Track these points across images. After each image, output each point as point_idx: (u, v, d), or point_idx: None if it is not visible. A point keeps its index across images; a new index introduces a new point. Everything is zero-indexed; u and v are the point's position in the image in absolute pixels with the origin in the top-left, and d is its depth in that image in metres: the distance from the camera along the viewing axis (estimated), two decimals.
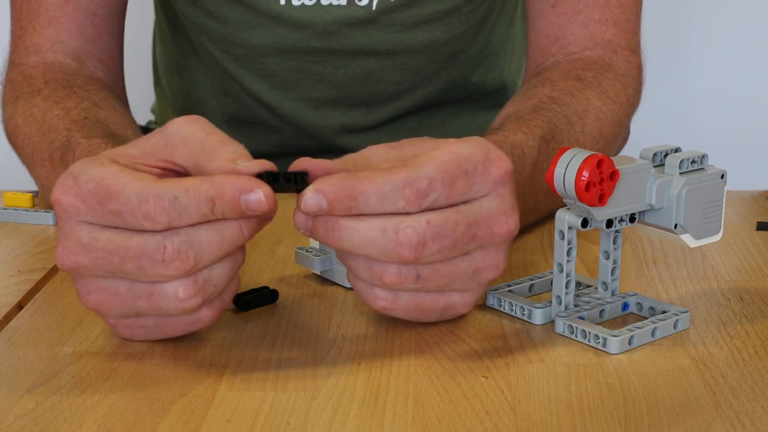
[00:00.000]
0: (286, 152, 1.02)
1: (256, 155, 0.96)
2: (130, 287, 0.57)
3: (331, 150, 1.01)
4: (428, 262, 0.58)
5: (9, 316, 0.66)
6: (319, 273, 0.71)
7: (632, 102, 0.90)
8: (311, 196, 0.57)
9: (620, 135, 0.89)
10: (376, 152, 0.62)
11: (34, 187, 0.94)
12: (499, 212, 0.59)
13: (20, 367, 0.59)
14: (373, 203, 0.57)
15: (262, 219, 0.58)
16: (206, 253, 0.56)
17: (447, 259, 0.59)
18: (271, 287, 0.68)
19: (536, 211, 0.79)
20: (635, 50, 0.92)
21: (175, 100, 1.12)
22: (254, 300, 0.65)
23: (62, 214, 0.57)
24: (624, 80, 0.89)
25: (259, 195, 0.56)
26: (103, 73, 0.94)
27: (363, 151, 0.63)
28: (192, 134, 0.60)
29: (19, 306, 0.68)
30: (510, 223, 0.60)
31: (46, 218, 0.83)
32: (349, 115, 1.01)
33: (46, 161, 0.81)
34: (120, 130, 0.81)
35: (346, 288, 0.70)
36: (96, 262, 0.56)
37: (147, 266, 0.55)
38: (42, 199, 0.89)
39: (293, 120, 1.01)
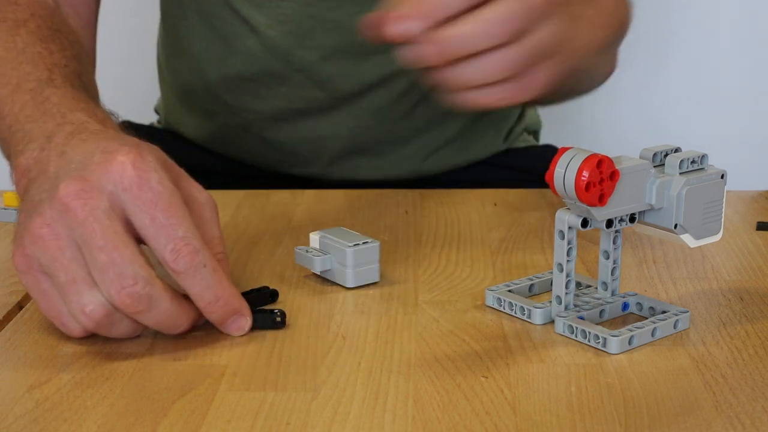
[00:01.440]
0: (296, 107, 1.03)
1: (264, 114, 1.00)
2: (76, 259, 0.58)
3: (339, 102, 1.02)
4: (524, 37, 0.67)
5: (9, 316, 0.66)
6: (319, 273, 0.71)
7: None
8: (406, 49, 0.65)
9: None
10: None
11: None
12: None
13: (20, 367, 0.59)
14: (468, 42, 0.66)
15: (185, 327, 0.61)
16: (147, 316, 0.58)
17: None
18: (271, 287, 0.67)
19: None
20: None
21: (175, 81, 1.12)
22: (254, 300, 0.65)
23: (116, 173, 0.58)
24: None
25: (246, 322, 0.62)
26: (74, 20, 0.95)
27: None
28: (207, 215, 0.63)
29: (19, 306, 0.68)
30: None
31: None
32: (360, 65, 1.02)
33: (9, 85, 0.78)
34: (90, 86, 0.82)
35: (347, 288, 0.70)
36: (85, 226, 0.57)
37: (106, 271, 0.57)
38: None
39: (304, 68, 1.02)
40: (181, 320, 0.60)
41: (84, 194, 0.58)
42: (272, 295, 0.67)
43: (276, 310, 0.64)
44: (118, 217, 0.58)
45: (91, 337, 0.62)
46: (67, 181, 0.59)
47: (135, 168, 0.58)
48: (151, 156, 0.60)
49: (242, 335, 0.62)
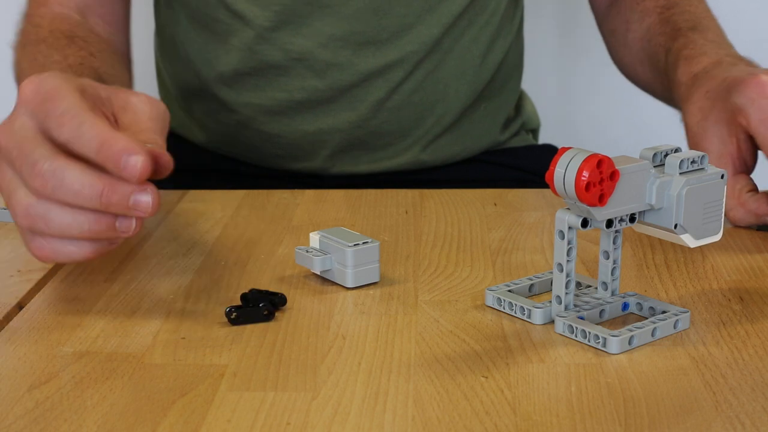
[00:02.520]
0: (296, 99, 1.04)
1: (263, 108, 1.02)
2: (10, 179, 0.64)
3: (338, 93, 1.03)
4: None
5: (9, 316, 0.66)
6: (319, 273, 0.71)
7: None
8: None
9: None
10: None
11: None
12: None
13: (20, 367, 0.59)
14: None
15: (123, 200, 0.61)
16: (60, 190, 0.61)
17: None
18: (268, 302, 0.65)
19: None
20: None
21: (174, 84, 1.12)
22: (251, 313, 0.65)
23: (20, 98, 0.65)
24: None
25: (138, 160, 0.60)
26: (103, 28, 1.01)
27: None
28: (142, 111, 0.68)
29: (19, 306, 0.68)
30: None
31: None
32: (357, 53, 1.02)
33: None
34: (109, 78, 0.88)
35: (347, 288, 0.70)
36: (11, 145, 0.63)
37: (23, 168, 0.62)
38: None
39: (303, 57, 1.02)
40: (98, 184, 0.61)
41: (4, 127, 0.65)
42: (274, 304, 0.66)
43: (262, 304, 0.64)
44: (30, 128, 0.63)
45: (91, 337, 0.63)
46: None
47: (30, 83, 0.65)
48: (50, 74, 0.66)
49: (244, 335, 0.62)
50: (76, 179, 0.61)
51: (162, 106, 0.69)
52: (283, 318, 0.65)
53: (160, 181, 1.00)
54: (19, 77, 0.95)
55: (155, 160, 0.63)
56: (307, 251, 0.71)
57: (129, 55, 1.05)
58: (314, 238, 0.71)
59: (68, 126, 0.62)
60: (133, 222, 0.62)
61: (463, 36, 1.06)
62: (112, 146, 0.60)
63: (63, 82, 0.64)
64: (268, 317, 0.65)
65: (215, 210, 0.87)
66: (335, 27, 1.01)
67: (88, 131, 0.61)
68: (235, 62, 1.04)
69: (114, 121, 0.67)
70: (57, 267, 0.74)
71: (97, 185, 0.61)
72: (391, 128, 1.05)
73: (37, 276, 0.72)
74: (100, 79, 0.86)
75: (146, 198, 0.61)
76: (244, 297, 0.66)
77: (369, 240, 0.70)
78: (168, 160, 0.64)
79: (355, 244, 0.69)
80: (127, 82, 0.96)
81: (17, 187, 0.63)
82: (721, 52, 0.90)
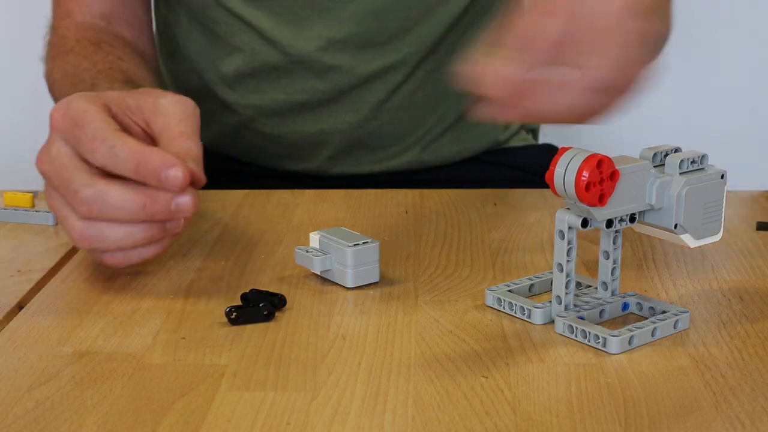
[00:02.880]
0: (297, 100, 1.04)
1: (265, 110, 1.02)
2: (60, 204, 0.68)
3: (339, 95, 1.03)
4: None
5: (9, 316, 0.66)
6: (319, 273, 0.71)
7: None
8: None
9: None
10: None
11: (34, 187, 0.94)
12: None
13: (20, 367, 0.59)
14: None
15: (166, 207, 0.66)
16: (106, 211, 0.65)
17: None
18: (268, 302, 0.65)
19: None
20: None
21: (174, 85, 1.13)
22: (251, 313, 0.65)
23: (51, 125, 0.68)
24: None
25: (177, 171, 0.64)
26: (128, 32, 1.03)
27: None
28: (172, 113, 0.70)
29: (19, 306, 0.68)
30: None
31: (46, 218, 0.83)
32: (357, 55, 1.02)
33: None
34: (139, 80, 0.90)
35: (347, 288, 0.70)
36: (51, 173, 0.67)
37: (67, 195, 0.66)
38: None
39: (303, 60, 1.02)
40: (139, 198, 0.65)
41: (42, 156, 0.69)
42: (274, 305, 0.66)
43: (262, 304, 0.64)
44: (66, 154, 0.67)
45: (91, 337, 0.63)
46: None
47: (57, 110, 0.68)
48: (75, 96, 0.69)
49: (244, 335, 0.62)
50: (119, 198, 0.65)
51: (191, 104, 0.71)
52: (283, 318, 0.65)
53: None
54: (52, 89, 0.97)
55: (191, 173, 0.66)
56: (307, 251, 0.71)
57: (155, 56, 1.06)
58: (314, 238, 0.71)
59: (100, 151, 0.65)
60: (181, 221, 0.68)
61: (464, 36, 1.06)
62: (149, 163, 0.64)
63: (89, 104, 0.68)
64: (268, 317, 0.65)
65: (215, 210, 0.87)
66: (335, 30, 1.01)
67: (121, 153, 0.65)
68: (237, 63, 1.04)
69: (147, 127, 0.71)
70: (57, 267, 0.74)
71: (139, 199, 0.65)
72: (391, 129, 1.05)
73: (37, 276, 0.72)
74: (130, 80, 0.89)
75: (186, 199, 0.66)
76: (244, 297, 0.66)
77: (369, 240, 0.70)
78: (200, 179, 0.68)
79: (355, 244, 0.69)
80: (155, 83, 0.97)
81: (68, 213, 0.67)
82: None
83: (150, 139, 0.71)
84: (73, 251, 0.78)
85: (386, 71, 1.03)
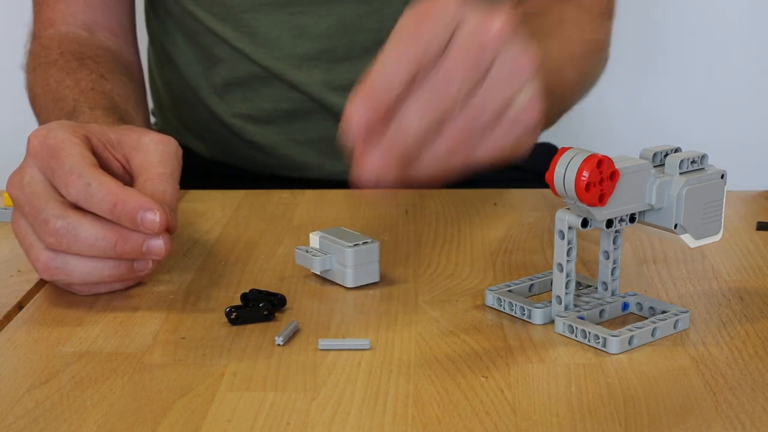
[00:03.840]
0: (283, 108, 1.04)
1: (253, 118, 1.02)
2: (25, 232, 0.67)
3: (322, 106, 1.03)
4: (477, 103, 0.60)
5: (9, 316, 0.66)
6: (318, 273, 0.71)
7: (609, 14, 0.98)
8: (366, 166, 0.59)
9: (600, 44, 0.96)
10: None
11: None
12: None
13: (20, 367, 0.59)
14: (418, 121, 0.59)
15: (136, 248, 0.65)
16: (75, 245, 0.64)
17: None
18: (268, 302, 0.65)
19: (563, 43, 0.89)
20: None
21: (168, 90, 1.12)
22: (251, 313, 0.65)
23: (28, 151, 0.67)
24: None
25: (154, 214, 0.64)
26: (112, 41, 1.01)
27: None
28: (153, 152, 0.69)
29: (19, 306, 0.68)
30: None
31: None
32: (331, 71, 1.02)
33: (48, 120, 0.87)
34: (122, 102, 0.89)
35: (346, 288, 0.70)
36: (22, 199, 0.66)
37: (35, 224, 0.65)
38: None
39: (280, 77, 1.02)
40: (111, 236, 0.64)
41: (15, 179, 0.68)
42: (274, 305, 0.66)
43: (262, 304, 0.64)
44: (39, 181, 0.66)
45: (91, 337, 0.63)
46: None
47: (36, 137, 0.67)
48: (57, 124, 0.68)
49: (244, 335, 0.62)
50: (90, 233, 0.64)
51: (173, 144, 0.70)
52: (283, 318, 0.65)
53: None
54: (33, 102, 0.96)
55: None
56: (307, 251, 0.71)
57: (139, 64, 1.05)
58: (314, 239, 0.71)
59: (75, 186, 0.64)
60: (150, 262, 0.67)
61: None
62: (126, 204, 0.63)
63: (68, 135, 0.67)
64: (268, 317, 0.65)
65: (215, 210, 0.87)
66: (306, 47, 1.01)
67: (97, 191, 0.64)
68: (223, 74, 1.04)
69: (126, 163, 0.70)
70: None
71: (111, 237, 0.64)
72: None
73: (37, 276, 0.72)
74: (113, 103, 0.87)
75: (158, 243, 0.65)
76: (244, 297, 0.66)
77: (369, 240, 0.70)
78: (172, 225, 0.67)
79: (355, 244, 0.69)
80: (138, 97, 0.96)
81: (34, 242, 0.66)
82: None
83: (128, 175, 0.70)
84: None
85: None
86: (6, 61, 1.52)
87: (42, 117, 0.93)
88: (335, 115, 1.03)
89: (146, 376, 0.58)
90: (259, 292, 0.67)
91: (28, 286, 0.71)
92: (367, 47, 1.02)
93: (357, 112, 0.59)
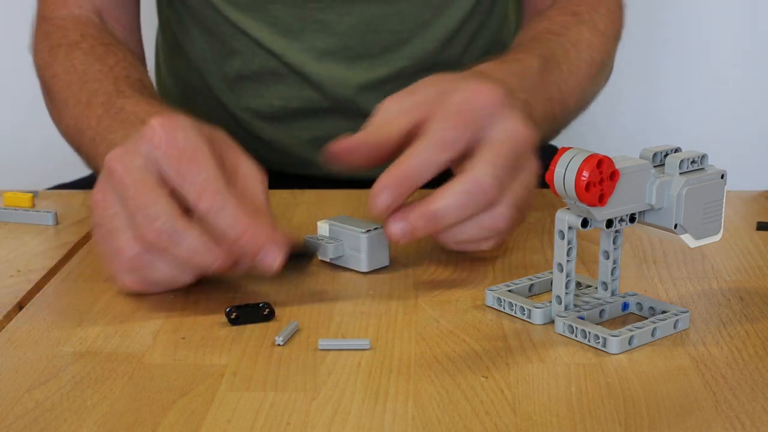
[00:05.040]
0: (293, 106, 1.04)
1: (262, 114, 1.03)
2: (115, 213, 0.64)
3: (334, 104, 1.03)
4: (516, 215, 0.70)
5: (9, 316, 0.66)
6: (329, 260, 0.72)
7: (618, 36, 1.02)
8: (396, 227, 0.67)
9: (608, 65, 1.00)
10: (389, 108, 0.72)
11: (34, 187, 0.94)
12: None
13: (20, 367, 0.59)
14: (455, 215, 0.67)
15: (233, 269, 0.65)
16: (173, 251, 0.63)
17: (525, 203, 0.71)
18: (270, 302, 0.66)
19: (565, 110, 0.92)
20: None
21: (176, 84, 1.12)
22: (250, 313, 0.65)
23: (146, 135, 0.64)
24: (613, 16, 1.01)
25: (274, 261, 0.64)
26: (120, 32, 1.01)
27: (378, 113, 0.72)
28: (254, 185, 0.68)
29: (19, 306, 0.68)
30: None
31: (46, 218, 0.83)
32: (350, 67, 1.02)
33: (80, 104, 0.88)
34: (149, 89, 0.90)
35: (347, 287, 0.70)
36: (129, 183, 0.63)
37: (137, 215, 0.63)
38: (72, 140, 0.91)
39: (297, 69, 1.02)
40: (209, 255, 0.63)
41: (122, 156, 0.64)
42: (269, 313, 0.66)
43: (261, 304, 0.64)
44: (152, 172, 0.64)
45: (91, 337, 0.63)
46: (112, 151, 0.65)
47: (163, 128, 0.64)
48: (181, 119, 0.65)
49: (244, 334, 0.62)
50: (192, 246, 0.62)
51: (263, 175, 0.69)
52: (283, 318, 0.65)
53: None
54: (50, 82, 0.93)
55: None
56: (318, 239, 0.71)
57: (144, 58, 1.06)
58: (323, 227, 0.72)
59: (209, 202, 0.62)
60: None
61: (460, 49, 1.06)
62: (252, 240, 0.63)
63: (201, 140, 0.64)
64: (268, 317, 0.65)
65: None
66: (327, 42, 1.01)
67: (230, 214, 0.62)
68: (237, 66, 1.04)
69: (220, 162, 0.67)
70: (57, 267, 0.74)
71: (211, 256, 0.63)
72: None
73: (37, 276, 0.72)
74: (148, 91, 0.88)
75: (271, 255, 0.64)
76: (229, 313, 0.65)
77: (379, 225, 0.71)
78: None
79: (367, 230, 0.70)
80: (154, 89, 0.96)
81: (123, 229, 0.64)
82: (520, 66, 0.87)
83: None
84: (73, 251, 0.78)
85: (380, 83, 1.03)
86: (6, 61, 1.52)
87: (61, 95, 0.91)
88: (347, 113, 1.03)
89: (146, 376, 0.58)
90: (247, 305, 0.65)
91: (28, 286, 0.71)
92: (387, 46, 1.02)
93: (383, 200, 0.67)
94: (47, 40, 0.96)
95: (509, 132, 0.69)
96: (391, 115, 0.71)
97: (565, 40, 0.94)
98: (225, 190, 0.63)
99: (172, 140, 0.64)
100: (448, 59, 1.05)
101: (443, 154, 0.67)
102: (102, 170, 0.66)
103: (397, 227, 0.67)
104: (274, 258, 0.63)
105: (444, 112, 0.69)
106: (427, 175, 0.68)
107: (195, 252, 0.62)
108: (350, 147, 0.70)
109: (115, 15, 1.01)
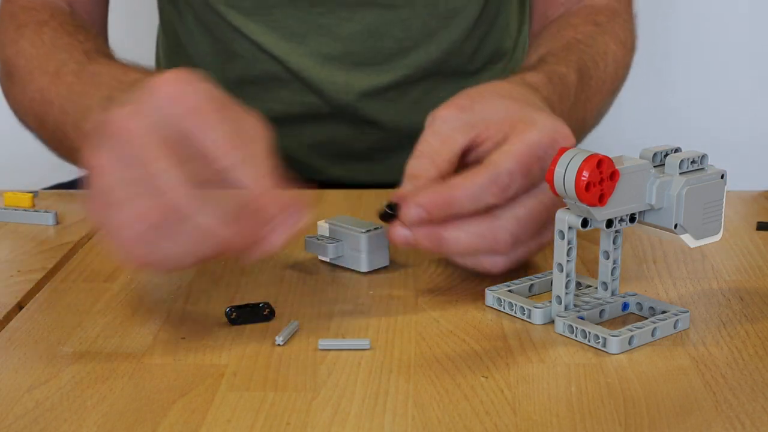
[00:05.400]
0: (294, 112, 1.03)
1: (265, 117, 1.01)
2: (119, 181, 0.57)
3: (336, 110, 1.03)
4: (518, 245, 0.67)
5: (9, 316, 0.66)
6: (329, 260, 0.72)
7: (635, 48, 1.02)
8: (412, 210, 0.65)
9: (625, 78, 1.01)
10: (449, 121, 0.69)
11: (34, 187, 0.94)
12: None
13: (20, 367, 0.59)
14: (467, 206, 0.65)
15: (249, 248, 0.59)
16: (180, 229, 0.56)
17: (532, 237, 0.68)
18: (267, 301, 0.65)
19: (584, 131, 0.94)
20: (631, 2, 1.05)
21: None
22: (249, 314, 0.64)
23: (156, 90, 0.58)
24: (630, 27, 1.01)
25: (280, 237, 0.59)
26: (89, 24, 0.98)
27: (433, 128, 0.70)
28: (259, 139, 0.63)
29: (19, 306, 0.68)
30: None
31: (46, 218, 0.83)
32: (353, 73, 1.02)
33: (47, 74, 0.84)
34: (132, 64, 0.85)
35: (348, 286, 0.70)
36: (145, 142, 0.56)
37: (141, 184, 0.56)
38: (29, 115, 0.89)
39: (300, 74, 1.02)
40: (229, 228, 0.57)
41: (128, 116, 0.58)
42: (269, 313, 0.65)
43: (261, 304, 0.64)
44: (162, 135, 0.57)
45: (91, 337, 0.63)
46: (114, 110, 0.59)
47: (177, 82, 0.59)
48: (190, 72, 0.60)
49: (244, 334, 0.62)
50: (203, 224, 0.56)
51: (268, 131, 0.64)
52: (283, 318, 0.65)
53: None
54: (12, 57, 0.88)
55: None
56: (318, 239, 0.71)
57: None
58: (323, 227, 0.72)
59: (232, 156, 0.57)
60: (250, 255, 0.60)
61: (465, 58, 1.05)
62: (274, 198, 0.58)
63: (214, 92, 0.60)
64: (268, 317, 0.65)
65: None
66: (330, 47, 1.01)
67: (254, 169, 0.58)
68: (238, 70, 1.04)
69: None
70: (57, 267, 0.74)
71: (231, 230, 0.57)
72: (389, 143, 1.05)
73: (37, 276, 0.72)
74: (121, 61, 0.84)
75: (274, 243, 0.59)
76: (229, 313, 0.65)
77: (378, 226, 0.71)
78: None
79: (368, 230, 0.70)
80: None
81: (130, 199, 0.57)
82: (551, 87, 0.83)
83: None
84: (73, 251, 0.78)
85: (382, 90, 1.03)
86: None
87: (24, 68, 0.88)
88: (349, 118, 1.03)
89: (146, 376, 0.58)
90: (246, 305, 0.65)
91: (28, 286, 0.71)
92: (390, 54, 1.02)
93: (413, 215, 0.65)
94: (13, 21, 0.92)
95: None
96: (444, 135, 0.68)
97: (594, 51, 0.93)
98: (244, 147, 0.59)
99: (188, 94, 0.58)
100: (453, 68, 1.05)
101: (494, 198, 0.65)
102: (100, 133, 0.59)
103: (401, 234, 0.66)
104: (299, 217, 0.59)
105: (514, 150, 0.65)
106: (470, 210, 0.65)
107: (206, 231, 0.57)
108: (413, 193, 0.66)
109: (86, 9, 0.99)
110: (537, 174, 0.66)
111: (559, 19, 1.00)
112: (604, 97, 0.95)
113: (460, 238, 0.66)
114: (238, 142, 0.59)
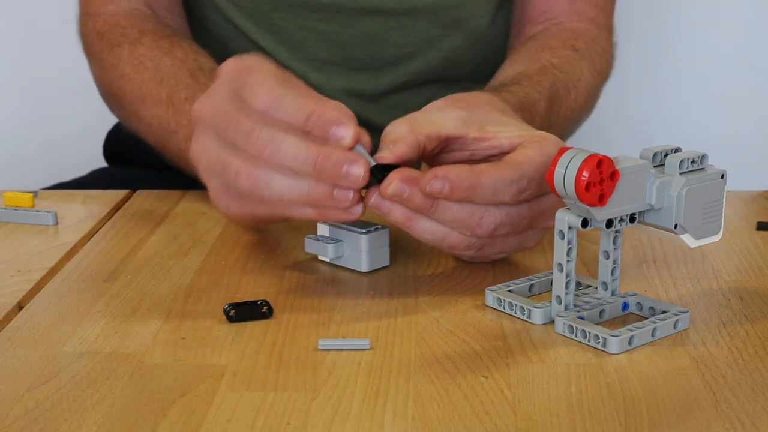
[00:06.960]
0: None
1: None
2: (218, 149, 0.67)
3: None
4: (491, 237, 0.68)
5: (9, 316, 0.66)
6: (329, 260, 0.72)
7: (608, 76, 1.03)
8: (437, 183, 0.64)
9: (594, 105, 1.02)
10: (444, 111, 0.71)
11: (34, 187, 0.94)
12: (558, 205, 0.67)
13: (20, 367, 0.59)
14: (486, 196, 0.66)
15: (337, 167, 0.64)
16: (278, 154, 0.64)
17: (505, 236, 0.69)
18: (266, 299, 0.66)
19: None
20: (611, 29, 1.04)
21: None
22: (247, 311, 0.65)
23: (219, 75, 0.69)
24: (606, 56, 1.01)
25: (346, 130, 0.64)
26: (171, 20, 0.99)
27: (427, 110, 0.72)
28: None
29: (19, 306, 0.68)
30: None
31: (46, 218, 0.83)
32: (352, 78, 1.02)
33: (162, 102, 0.87)
34: None
35: (347, 286, 0.70)
36: (217, 116, 0.67)
37: (237, 137, 0.65)
38: (152, 140, 0.91)
39: (299, 76, 1.01)
40: (312, 150, 0.64)
41: (203, 101, 0.69)
42: (267, 310, 0.65)
43: (260, 302, 0.64)
44: (233, 102, 0.67)
45: (91, 337, 0.63)
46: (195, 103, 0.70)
47: (232, 61, 0.70)
48: (249, 56, 0.70)
49: (244, 334, 0.62)
50: (292, 144, 0.64)
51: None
52: (283, 318, 0.65)
53: (163, 182, 0.99)
54: (117, 80, 0.92)
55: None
56: (318, 239, 0.71)
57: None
58: (323, 227, 0.73)
59: (266, 95, 0.65)
60: (350, 194, 0.64)
61: (468, 68, 1.05)
62: (321, 116, 0.64)
63: (261, 59, 0.69)
64: (266, 315, 0.65)
65: (215, 210, 0.87)
66: (330, 53, 1.01)
67: (293, 101, 0.65)
68: None
69: None
70: (57, 267, 0.74)
71: (312, 151, 0.64)
72: None
73: (37, 276, 0.72)
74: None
75: (357, 170, 0.63)
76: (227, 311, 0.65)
77: (379, 226, 0.71)
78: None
79: (368, 230, 0.70)
80: None
81: (229, 158, 0.66)
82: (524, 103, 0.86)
83: None
84: (73, 251, 0.78)
85: (382, 95, 1.03)
86: (6, 61, 1.52)
87: (135, 95, 0.90)
88: None
89: (146, 376, 0.58)
90: (245, 303, 0.66)
91: (28, 286, 0.71)
92: (390, 60, 1.02)
93: (435, 187, 0.65)
94: (104, 40, 0.94)
95: (551, 203, 0.69)
96: (434, 117, 0.71)
97: (568, 79, 0.93)
98: (282, 84, 0.66)
99: (234, 65, 0.68)
100: (456, 76, 1.05)
101: (509, 197, 0.66)
102: (193, 128, 0.70)
103: (437, 184, 0.65)
104: (343, 134, 0.64)
105: (537, 160, 0.67)
106: (485, 200, 0.66)
107: (296, 149, 0.64)
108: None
109: (164, 4, 0.99)
110: (543, 187, 0.68)
111: (538, 37, 1.00)
112: (569, 125, 0.96)
113: (452, 208, 0.66)
114: (273, 84, 0.66)
